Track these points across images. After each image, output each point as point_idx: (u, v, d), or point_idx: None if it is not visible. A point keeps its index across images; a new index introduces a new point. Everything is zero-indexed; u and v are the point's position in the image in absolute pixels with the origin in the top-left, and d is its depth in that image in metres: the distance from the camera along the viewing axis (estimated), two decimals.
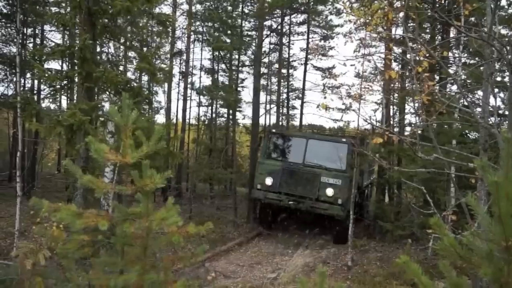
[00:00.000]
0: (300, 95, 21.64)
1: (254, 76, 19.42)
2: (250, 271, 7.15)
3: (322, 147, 10.94)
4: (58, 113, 10.74)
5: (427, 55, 4.47)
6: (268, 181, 10.83)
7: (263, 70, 21.91)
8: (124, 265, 2.93)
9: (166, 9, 23.47)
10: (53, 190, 17.95)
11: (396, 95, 14.71)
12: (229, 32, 18.03)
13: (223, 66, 21.76)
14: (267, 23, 21.10)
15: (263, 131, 14.72)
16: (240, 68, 21.81)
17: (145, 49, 15.25)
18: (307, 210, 10.81)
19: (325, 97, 19.60)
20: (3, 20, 23.26)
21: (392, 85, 12.99)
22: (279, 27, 21.50)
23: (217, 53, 19.72)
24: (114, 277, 2.83)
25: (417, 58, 4.79)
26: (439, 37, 13.25)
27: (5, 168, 26.08)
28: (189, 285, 3.10)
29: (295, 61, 23.36)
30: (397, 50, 10.88)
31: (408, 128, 14.21)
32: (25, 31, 20.31)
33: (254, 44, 20.87)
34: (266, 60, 22.78)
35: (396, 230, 10.59)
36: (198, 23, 20.08)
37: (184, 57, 20.55)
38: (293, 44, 23.76)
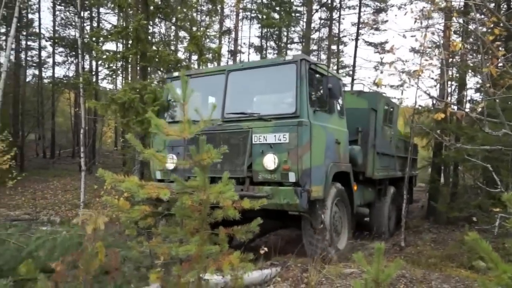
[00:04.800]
0: (351, 72, 21.05)
1: (303, 53, 19.12)
2: (301, 247, 7.22)
3: (252, 82, 5.96)
4: (114, 92, 11.26)
5: (493, 24, 4.15)
6: (171, 162, 5.61)
7: (312, 46, 21.48)
8: (184, 235, 3.07)
9: None
10: (111, 166, 19.01)
11: (455, 69, 13.88)
12: (278, 8, 17.76)
13: (272, 43, 21.56)
14: None
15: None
16: (288, 45, 21.53)
17: (194, 28, 15.42)
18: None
19: (381, 72, 18.80)
20: (63, 5, 24.53)
21: (452, 59, 12.25)
22: (329, 1, 20.85)
23: (265, 30, 19.54)
24: (175, 246, 2.97)
25: (482, 29, 4.47)
26: (505, 6, 12.21)
27: (68, 145, 28.01)
28: (244, 258, 3.19)
29: (345, 36, 22.69)
30: (459, 20, 10.17)
31: (468, 105, 13.41)
32: (82, 14, 21.19)
33: (303, 20, 20.44)
34: (315, 36, 22.29)
35: (452, 211, 10.17)
36: (246, 0, 19.96)
37: (233, 35, 20.61)
38: (343, 19, 23.04)
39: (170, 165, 5.45)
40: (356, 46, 20.29)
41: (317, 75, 5.75)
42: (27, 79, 27.37)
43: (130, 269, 3.47)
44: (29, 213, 10.21)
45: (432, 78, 16.61)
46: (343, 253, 5.78)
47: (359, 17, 20.37)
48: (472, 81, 13.97)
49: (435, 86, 15.69)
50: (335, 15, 21.52)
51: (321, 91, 5.70)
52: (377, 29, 20.73)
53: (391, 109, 9.07)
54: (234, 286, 3.70)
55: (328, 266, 5.00)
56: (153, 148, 5.66)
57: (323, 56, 22.99)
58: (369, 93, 8.76)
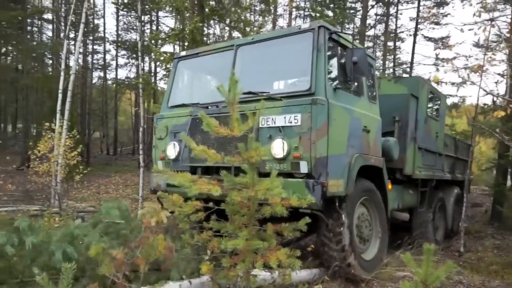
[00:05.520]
0: (408, 69, 20.24)
1: None
2: None
3: (263, 57, 5.10)
4: None
5: None
6: (171, 150, 5.12)
7: (368, 44, 20.92)
8: (233, 230, 3.17)
9: None
10: None
11: None
12: (331, 5, 17.51)
13: None
14: None
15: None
16: None
17: (248, 28, 15.66)
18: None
19: (437, 69, 17.86)
20: (125, 10, 25.95)
21: None
22: None
23: None
24: (224, 241, 3.09)
25: None
26: None
27: (129, 143, 29.63)
28: (291, 254, 3.22)
29: (403, 32, 21.82)
30: None
31: None
32: (143, 18, 22.22)
33: (358, 16, 19.98)
34: (371, 33, 21.69)
35: None
36: None
37: None
38: (401, 14, 22.19)
39: (171, 154, 5.08)
40: (414, 42, 19.47)
41: (340, 47, 4.77)
42: (93, 81, 29.35)
43: (183, 260, 3.65)
44: (94, 205, 10.95)
45: (499, 74, 15.51)
46: (370, 265, 4.81)
47: (418, 11, 19.53)
48: None
49: (497, 82, 14.61)
50: (392, 10, 20.79)
51: (344, 67, 4.64)
52: (437, 23, 19.73)
53: (437, 99, 7.88)
54: (282, 282, 3.76)
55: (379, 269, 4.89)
56: (156, 135, 5.46)
57: (379, 53, 22.31)
58: (409, 78, 7.68)
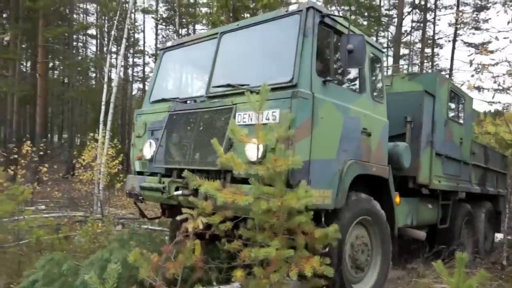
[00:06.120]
0: (447, 76, 19.63)
1: (393, 57, 18.38)
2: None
3: (248, 45, 4.52)
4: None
5: None
6: (147, 149, 4.60)
7: (403, 51, 20.53)
8: (262, 239, 3.22)
9: None
10: None
11: None
12: (365, 13, 17.38)
13: None
14: None
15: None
16: None
17: None
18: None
19: (472, 76, 17.19)
20: (164, 24, 26.93)
21: None
22: (423, 2, 19.76)
23: None
24: (255, 250, 3.14)
25: None
26: None
27: None
28: (324, 262, 3.23)
29: (441, 38, 21.27)
30: None
31: None
32: (180, 32, 22.92)
33: (393, 24, 19.68)
34: (407, 39, 21.27)
35: None
36: (334, 8, 19.85)
37: None
38: (439, 19, 21.61)
39: (147, 154, 4.56)
40: (453, 48, 18.94)
41: (335, 34, 4.08)
42: (133, 93, 30.53)
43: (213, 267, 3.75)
44: (133, 212, 11.32)
45: None
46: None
47: (457, 16, 18.98)
48: None
49: None
50: (429, 16, 20.34)
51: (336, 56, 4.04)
52: (477, 28, 19.08)
53: (461, 101, 6.97)
54: None
55: (414, 280, 4.80)
56: (135, 132, 4.98)
57: (416, 60, 21.82)
58: (425, 75, 7.21)
